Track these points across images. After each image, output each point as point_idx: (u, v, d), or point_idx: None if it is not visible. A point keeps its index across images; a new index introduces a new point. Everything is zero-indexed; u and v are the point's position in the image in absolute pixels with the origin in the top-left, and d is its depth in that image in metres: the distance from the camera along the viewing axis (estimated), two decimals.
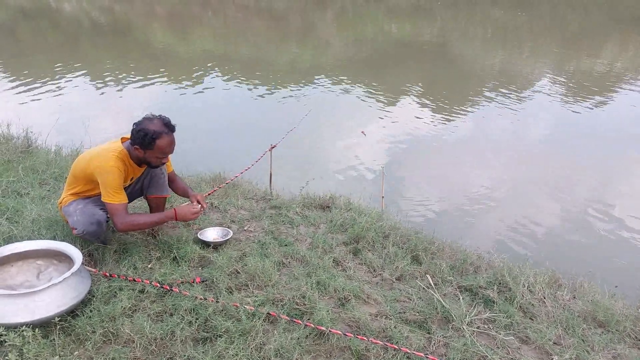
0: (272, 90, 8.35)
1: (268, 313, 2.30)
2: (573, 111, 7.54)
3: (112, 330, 2.13)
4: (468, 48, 13.28)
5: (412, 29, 16.48)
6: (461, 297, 2.59)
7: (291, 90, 8.38)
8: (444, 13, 19.63)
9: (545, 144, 6.34)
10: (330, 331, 2.20)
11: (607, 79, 9.74)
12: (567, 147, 6.20)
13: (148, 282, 2.44)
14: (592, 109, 7.69)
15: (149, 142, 2.54)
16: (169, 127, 2.60)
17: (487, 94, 8.47)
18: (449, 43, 13.88)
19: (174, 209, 2.73)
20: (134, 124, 2.59)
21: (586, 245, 4.09)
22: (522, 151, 6.04)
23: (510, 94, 8.43)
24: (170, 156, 2.78)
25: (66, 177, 3.61)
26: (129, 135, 2.64)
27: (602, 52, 12.78)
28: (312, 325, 2.23)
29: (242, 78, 9.13)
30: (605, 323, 2.52)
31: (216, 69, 9.94)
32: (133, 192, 2.92)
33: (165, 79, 8.88)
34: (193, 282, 2.51)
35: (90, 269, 2.51)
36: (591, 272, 3.08)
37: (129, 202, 2.80)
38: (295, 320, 2.27)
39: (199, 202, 2.88)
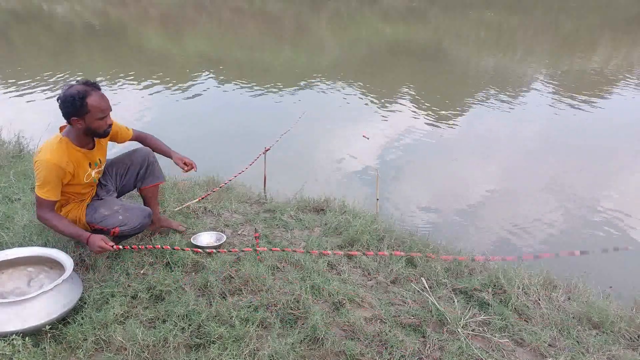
0: (267, 93, 8.34)
1: (262, 317, 2.29)
2: (567, 112, 7.57)
3: (104, 337, 2.11)
4: (462, 50, 13.32)
5: (407, 31, 16.52)
6: (456, 300, 2.58)
7: (285, 92, 8.37)
8: (438, 15, 19.70)
9: (538, 145, 6.35)
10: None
11: (600, 79, 9.80)
12: (561, 148, 6.21)
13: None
14: (585, 109, 7.73)
15: (80, 105, 2.37)
16: (91, 84, 2.45)
17: (481, 95, 8.49)
18: (443, 45, 13.93)
19: (90, 234, 2.48)
20: (57, 99, 2.42)
21: (580, 246, 4.09)
22: (516, 153, 6.06)
23: (504, 95, 8.46)
24: (124, 126, 2.71)
25: None
26: (60, 126, 2.54)
27: (594, 53, 12.86)
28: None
29: (236, 81, 9.11)
30: (600, 324, 2.52)
31: (210, 71, 9.92)
32: (127, 184, 2.91)
33: (159, 82, 8.85)
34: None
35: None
36: (585, 273, 3.07)
37: (121, 195, 2.87)
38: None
39: (186, 164, 2.85)
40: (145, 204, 2.97)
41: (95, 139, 2.62)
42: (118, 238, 2.75)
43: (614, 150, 6.07)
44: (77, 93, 2.37)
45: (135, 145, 2.98)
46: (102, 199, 2.76)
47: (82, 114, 2.40)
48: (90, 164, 2.62)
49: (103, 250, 2.47)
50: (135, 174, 2.90)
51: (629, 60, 11.93)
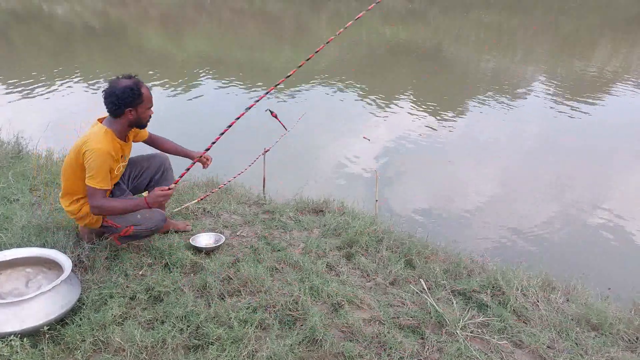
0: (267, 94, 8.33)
1: (260, 319, 2.28)
2: (566, 113, 7.57)
3: (102, 338, 2.10)
4: (462, 51, 13.32)
5: (407, 32, 16.52)
6: (455, 301, 2.58)
7: (285, 93, 8.36)
8: (438, 17, 19.71)
9: (538, 146, 6.35)
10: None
11: (599, 80, 9.80)
12: (560, 149, 6.21)
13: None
14: (585, 111, 7.73)
15: (137, 95, 2.48)
16: (135, 77, 2.56)
17: (481, 97, 8.49)
18: (443, 47, 13.93)
19: (145, 197, 2.58)
20: (108, 94, 2.48)
21: (579, 247, 4.10)
22: (515, 154, 6.06)
23: (504, 96, 8.46)
24: None
25: (57, 183, 3.62)
26: (102, 116, 2.58)
27: (594, 54, 12.86)
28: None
29: (236, 81, 9.11)
30: (599, 326, 2.52)
31: (210, 72, 9.92)
32: (138, 186, 2.93)
33: (159, 82, 8.85)
34: None
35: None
36: (584, 274, 3.07)
37: (133, 195, 2.87)
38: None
39: (208, 159, 2.91)
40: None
41: (128, 134, 2.66)
42: (126, 237, 2.74)
43: (614, 151, 6.07)
44: (133, 84, 2.48)
45: (150, 150, 3.00)
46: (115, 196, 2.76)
47: (137, 104, 2.51)
48: (122, 157, 2.66)
49: (166, 198, 2.53)
50: (149, 178, 2.93)
51: (629, 61, 11.94)
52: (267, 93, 2.71)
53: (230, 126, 2.63)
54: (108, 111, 2.53)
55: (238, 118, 2.62)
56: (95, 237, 2.81)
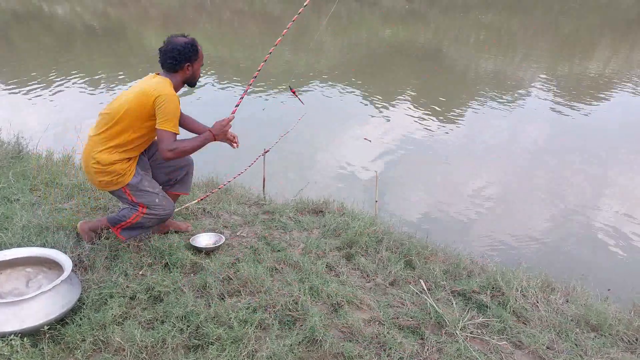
0: (266, 94, 8.34)
1: (260, 319, 2.29)
2: (566, 114, 7.58)
3: (102, 338, 2.10)
4: (462, 52, 13.33)
5: (406, 33, 16.53)
6: (454, 302, 2.58)
7: (285, 94, 8.37)
8: (438, 18, 19.71)
9: (538, 147, 6.36)
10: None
11: (599, 82, 9.81)
12: (560, 151, 6.22)
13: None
14: (585, 112, 7.74)
15: (195, 50, 2.63)
16: (187, 35, 2.68)
17: (481, 98, 8.50)
18: (443, 47, 13.94)
19: (209, 129, 2.72)
20: (169, 50, 2.58)
21: (579, 248, 4.10)
22: (515, 155, 6.06)
23: (504, 98, 8.47)
24: None
25: (57, 183, 3.63)
26: (156, 72, 2.66)
27: (594, 55, 12.87)
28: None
29: (236, 82, 9.11)
30: (598, 327, 2.52)
31: (210, 72, 9.92)
32: (154, 175, 2.91)
33: None
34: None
35: None
36: (584, 275, 3.08)
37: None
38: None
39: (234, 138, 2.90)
40: None
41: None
42: (129, 230, 2.76)
43: (614, 152, 6.07)
44: (192, 40, 2.63)
45: None
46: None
47: (194, 60, 2.65)
48: None
49: (229, 127, 2.73)
50: (168, 173, 2.93)
51: (629, 62, 11.95)
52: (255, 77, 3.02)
53: (245, 91, 3.01)
54: (167, 67, 2.62)
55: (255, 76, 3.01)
56: (96, 237, 2.81)
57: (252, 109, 7.56)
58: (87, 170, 2.67)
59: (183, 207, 3.45)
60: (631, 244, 4.12)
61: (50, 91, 8.09)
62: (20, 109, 7.21)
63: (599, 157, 5.94)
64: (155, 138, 2.68)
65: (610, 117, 7.61)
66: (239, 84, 8.93)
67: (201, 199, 3.58)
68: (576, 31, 16.64)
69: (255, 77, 3.07)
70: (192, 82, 2.75)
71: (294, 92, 3.58)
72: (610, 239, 4.21)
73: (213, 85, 8.95)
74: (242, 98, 3.02)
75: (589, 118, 7.50)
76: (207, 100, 7.96)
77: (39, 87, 8.25)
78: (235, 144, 2.88)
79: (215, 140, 2.73)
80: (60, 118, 6.70)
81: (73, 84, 8.67)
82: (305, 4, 3.14)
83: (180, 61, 2.61)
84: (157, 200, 2.71)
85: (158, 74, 2.67)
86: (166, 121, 2.50)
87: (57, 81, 8.71)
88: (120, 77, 9.14)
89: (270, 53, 3.04)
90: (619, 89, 9.21)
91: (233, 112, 2.86)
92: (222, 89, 8.68)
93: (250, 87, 2.99)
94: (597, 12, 20.53)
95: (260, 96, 8.22)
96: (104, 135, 2.57)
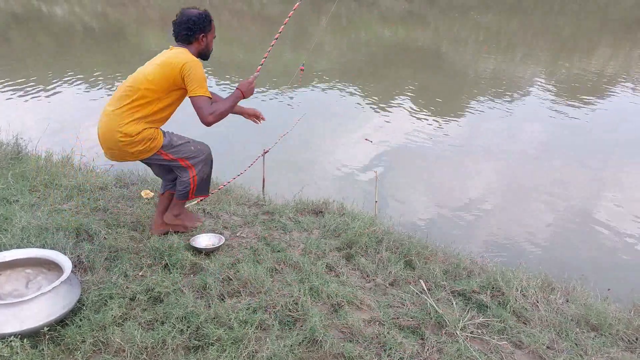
0: (266, 95, 8.34)
1: (260, 319, 2.28)
2: (565, 115, 7.58)
3: (102, 339, 2.10)
4: (461, 53, 13.34)
5: (406, 34, 16.54)
6: (454, 302, 2.58)
7: (285, 94, 8.37)
8: (437, 18, 19.73)
9: (537, 147, 6.36)
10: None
11: (598, 83, 9.82)
12: (560, 151, 6.22)
13: None
14: (583, 113, 7.74)
15: (209, 21, 2.69)
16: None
17: (480, 98, 8.50)
18: (442, 48, 13.95)
19: (237, 88, 2.81)
20: (183, 21, 2.64)
21: (578, 248, 4.10)
22: (514, 155, 6.06)
23: (503, 98, 8.48)
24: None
25: (56, 184, 3.62)
26: (171, 46, 2.70)
27: (593, 56, 12.89)
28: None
29: (235, 82, 9.11)
30: (598, 327, 2.52)
31: (210, 73, 9.92)
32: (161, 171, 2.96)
33: None
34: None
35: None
36: (584, 275, 3.08)
37: (156, 175, 2.98)
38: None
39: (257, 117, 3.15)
40: (160, 202, 3.02)
41: None
42: (199, 189, 2.88)
43: (613, 152, 6.08)
44: (205, 11, 2.68)
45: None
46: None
47: (208, 30, 2.70)
48: None
49: (253, 85, 2.86)
50: (170, 171, 2.95)
51: (628, 63, 11.96)
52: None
53: (280, 32, 3.08)
54: (181, 38, 2.67)
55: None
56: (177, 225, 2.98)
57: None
58: (113, 146, 2.65)
59: None
60: (631, 244, 4.13)
61: (49, 92, 8.08)
62: (19, 109, 7.20)
63: (598, 156, 5.95)
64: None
65: (610, 117, 7.62)
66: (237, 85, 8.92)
67: (201, 200, 3.58)
68: (576, 32, 16.66)
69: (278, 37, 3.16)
70: (206, 54, 2.78)
71: (302, 70, 3.65)
72: (610, 238, 4.21)
73: (211, 86, 8.95)
74: (264, 58, 3.13)
75: (589, 118, 7.51)
76: None
77: (37, 88, 8.24)
78: (260, 120, 3.02)
79: (244, 97, 2.82)
80: (59, 119, 6.70)
81: (72, 84, 8.66)
82: (295, 7, 3.17)
83: (195, 32, 2.65)
84: (192, 147, 2.79)
85: (172, 48, 2.70)
86: (198, 87, 2.56)
87: (56, 82, 8.71)
88: (118, 77, 9.13)
89: (276, 38, 3.13)
90: (619, 89, 9.22)
91: (257, 71, 2.98)
92: (222, 89, 8.67)
93: (272, 47, 3.14)
94: (596, 14, 20.56)
95: (257, 97, 8.22)
96: (128, 108, 2.58)
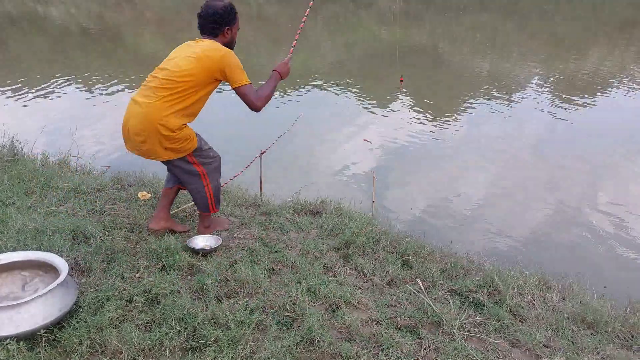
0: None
1: (258, 320, 2.29)
2: (561, 114, 7.61)
3: (99, 341, 2.10)
4: (457, 53, 13.37)
5: (403, 34, 16.56)
6: (451, 301, 2.59)
7: (282, 95, 8.37)
8: (434, 19, 19.75)
9: (533, 147, 6.38)
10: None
11: (594, 81, 9.85)
12: (555, 149, 6.24)
13: None
14: (579, 111, 7.77)
15: (235, 14, 2.72)
16: None
17: (477, 98, 8.52)
18: (439, 48, 13.97)
19: (275, 70, 2.87)
20: (209, 14, 2.65)
21: (574, 247, 4.12)
22: (510, 155, 6.08)
23: (499, 98, 8.50)
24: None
25: (53, 186, 3.61)
26: (196, 39, 2.72)
27: (589, 55, 12.93)
28: None
29: None
30: (595, 324, 2.53)
31: None
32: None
33: None
34: None
35: None
36: (580, 273, 3.09)
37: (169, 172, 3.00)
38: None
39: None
40: (166, 201, 3.04)
41: None
42: (216, 199, 2.99)
43: (608, 152, 6.10)
44: (229, 3, 2.70)
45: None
46: None
47: (233, 23, 2.73)
48: None
49: (289, 66, 2.94)
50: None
51: (623, 63, 12.00)
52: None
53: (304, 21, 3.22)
54: (207, 31, 2.70)
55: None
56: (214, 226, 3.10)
57: (247, 112, 7.54)
58: (148, 139, 2.62)
59: (179, 209, 3.45)
60: (626, 242, 4.14)
61: (44, 94, 8.06)
62: (14, 111, 7.18)
63: (594, 156, 5.96)
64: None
65: (605, 116, 7.65)
66: None
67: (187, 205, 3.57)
68: (570, 32, 16.71)
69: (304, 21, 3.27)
70: (230, 46, 2.77)
71: (401, 81, 3.64)
72: (605, 237, 4.23)
73: None
74: (296, 40, 3.21)
75: (585, 117, 7.54)
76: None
77: (33, 90, 8.23)
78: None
79: (282, 79, 2.90)
80: (55, 121, 6.69)
81: (68, 86, 8.64)
82: (310, 4, 3.30)
83: (222, 24, 2.68)
84: (212, 154, 2.88)
85: (199, 40, 2.71)
86: (240, 76, 2.63)
87: (52, 83, 8.69)
88: (114, 79, 9.12)
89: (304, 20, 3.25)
90: (613, 89, 9.25)
91: (290, 52, 3.05)
92: (220, 90, 8.66)
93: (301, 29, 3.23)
94: (590, 15, 20.62)
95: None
96: (169, 100, 2.57)
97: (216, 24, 2.67)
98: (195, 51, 2.62)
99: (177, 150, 2.70)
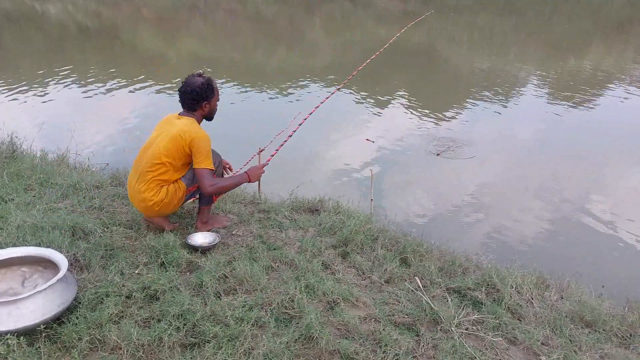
0: (261, 94, 8.34)
1: (256, 317, 2.29)
2: (559, 114, 7.63)
3: (98, 337, 2.10)
4: (456, 52, 13.39)
5: (401, 33, 16.57)
6: (450, 299, 2.60)
7: (280, 94, 8.37)
8: (432, 18, 19.78)
9: (531, 146, 6.40)
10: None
11: (591, 82, 9.88)
12: (553, 149, 6.26)
13: None
14: (577, 111, 7.79)
15: (211, 89, 2.90)
16: (203, 74, 2.97)
17: (475, 97, 8.54)
18: (437, 47, 13.99)
19: (246, 172, 3.06)
20: (188, 91, 2.85)
21: (573, 245, 4.13)
22: (509, 154, 6.10)
23: (497, 97, 8.51)
24: None
25: (52, 183, 3.61)
26: (177, 113, 2.93)
27: (586, 56, 12.96)
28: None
29: (230, 82, 9.11)
30: (592, 323, 2.54)
31: (204, 73, 9.89)
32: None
33: (152, 83, 8.83)
34: None
35: None
36: (578, 272, 3.10)
37: None
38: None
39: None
40: None
41: None
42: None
43: (606, 151, 6.12)
44: (207, 79, 2.90)
45: None
46: None
47: (211, 97, 2.93)
48: None
49: (262, 171, 3.12)
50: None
51: (621, 62, 12.04)
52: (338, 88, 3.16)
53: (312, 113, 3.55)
54: (187, 106, 2.91)
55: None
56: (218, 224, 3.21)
57: (249, 109, 7.56)
58: (153, 214, 2.99)
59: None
60: (624, 241, 4.16)
61: (43, 91, 8.05)
62: (13, 108, 7.17)
63: (592, 155, 5.99)
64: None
65: (604, 115, 7.68)
66: (233, 84, 8.93)
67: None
68: (568, 31, 16.75)
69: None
70: (209, 117, 3.03)
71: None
72: (603, 236, 4.24)
73: None
74: (277, 151, 3.53)
75: (584, 117, 7.56)
76: None
77: (31, 87, 8.21)
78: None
79: (249, 181, 3.06)
80: (53, 117, 6.68)
81: (66, 83, 8.63)
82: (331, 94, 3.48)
83: (199, 101, 2.88)
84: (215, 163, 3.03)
85: (180, 114, 2.93)
86: (204, 160, 2.81)
87: (50, 80, 8.67)
88: (112, 76, 9.10)
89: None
90: (612, 89, 9.28)
91: (268, 160, 3.33)
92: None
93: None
94: (589, 14, 20.67)
95: (254, 96, 8.23)
96: (153, 180, 2.85)
97: (194, 100, 2.87)
98: (172, 131, 2.82)
99: (178, 200, 2.97)
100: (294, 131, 3.56)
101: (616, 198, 4.94)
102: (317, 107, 3.57)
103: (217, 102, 3.03)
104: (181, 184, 2.94)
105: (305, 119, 3.66)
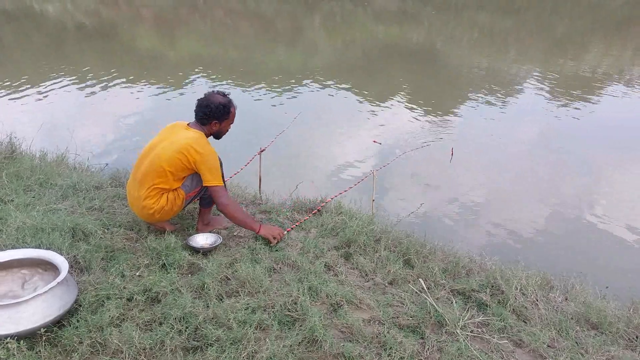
0: (261, 94, 8.31)
1: (259, 319, 2.26)
2: (559, 114, 7.60)
3: (99, 340, 2.07)
4: (455, 52, 13.36)
5: (400, 32, 16.54)
6: (454, 301, 2.58)
7: (280, 93, 8.34)
8: (431, 17, 19.75)
9: (533, 146, 6.37)
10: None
11: (591, 82, 9.86)
12: (555, 149, 6.24)
13: None
14: (577, 111, 7.77)
15: (226, 112, 2.89)
16: (227, 95, 2.98)
17: (475, 97, 8.51)
18: (436, 47, 13.96)
19: (261, 223, 3.03)
20: (203, 105, 2.86)
21: (576, 246, 4.11)
22: (512, 154, 6.07)
23: (498, 97, 8.49)
24: None
25: (51, 184, 3.58)
26: (186, 122, 2.93)
27: (586, 55, 12.93)
28: None
29: (230, 81, 9.07)
30: (598, 325, 2.52)
31: (204, 72, 9.87)
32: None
33: (151, 82, 8.79)
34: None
35: None
36: (582, 273, 3.08)
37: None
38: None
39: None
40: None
41: None
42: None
43: (610, 151, 6.10)
44: (227, 102, 2.91)
45: None
46: None
47: (223, 119, 2.92)
48: None
49: (276, 234, 3.01)
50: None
51: (620, 63, 12.02)
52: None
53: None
54: (198, 118, 2.91)
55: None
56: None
57: (250, 109, 7.52)
58: (154, 222, 2.99)
59: None
60: (628, 242, 4.14)
61: (42, 90, 8.00)
62: (12, 108, 7.13)
63: (596, 155, 5.96)
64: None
65: (605, 115, 7.65)
66: (232, 84, 8.89)
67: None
68: (568, 31, 16.74)
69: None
70: (217, 136, 3.03)
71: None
72: (607, 236, 4.22)
73: (206, 83, 8.92)
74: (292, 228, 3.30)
75: (585, 117, 7.53)
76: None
77: (30, 86, 8.16)
78: (274, 243, 3.04)
79: (258, 234, 3.00)
80: (53, 118, 6.64)
81: (65, 83, 8.58)
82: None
83: (210, 118, 2.87)
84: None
85: (189, 124, 2.92)
86: (213, 178, 2.83)
87: (49, 80, 8.62)
88: (111, 76, 9.06)
89: None
90: (612, 88, 9.26)
91: (288, 230, 3.20)
92: (215, 88, 8.63)
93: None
94: (588, 14, 20.66)
95: (253, 96, 8.20)
96: (153, 189, 2.83)
97: (206, 115, 2.87)
98: (178, 143, 2.80)
99: (178, 206, 2.95)
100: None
101: (618, 198, 4.92)
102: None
103: (230, 125, 3.03)
104: (180, 191, 2.92)
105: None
